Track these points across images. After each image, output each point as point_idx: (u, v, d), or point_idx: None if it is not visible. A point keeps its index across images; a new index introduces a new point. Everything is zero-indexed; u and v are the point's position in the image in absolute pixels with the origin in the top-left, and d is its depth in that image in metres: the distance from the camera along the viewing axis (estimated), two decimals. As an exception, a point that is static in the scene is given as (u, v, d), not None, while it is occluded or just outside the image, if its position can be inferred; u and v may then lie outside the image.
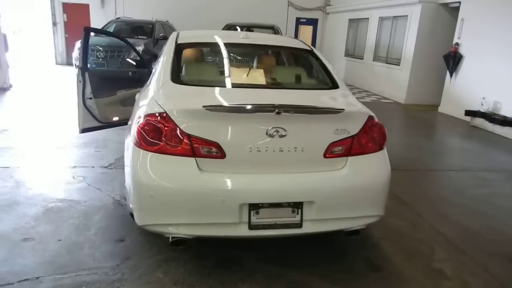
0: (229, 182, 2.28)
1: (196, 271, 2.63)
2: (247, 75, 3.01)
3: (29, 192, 3.71)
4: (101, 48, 9.58)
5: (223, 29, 11.50)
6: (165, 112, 2.30)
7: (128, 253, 2.79)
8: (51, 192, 3.73)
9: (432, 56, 9.46)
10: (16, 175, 4.07)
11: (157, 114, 2.31)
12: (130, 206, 2.70)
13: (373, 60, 11.60)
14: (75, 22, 14.31)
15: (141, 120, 2.36)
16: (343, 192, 2.41)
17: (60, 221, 3.19)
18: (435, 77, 9.57)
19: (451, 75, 8.91)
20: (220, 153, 2.28)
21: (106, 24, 11.20)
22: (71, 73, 11.52)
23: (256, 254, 2.84)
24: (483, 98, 7.82)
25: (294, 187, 2.34)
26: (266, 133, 2.30)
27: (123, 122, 4.75)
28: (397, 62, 10.32)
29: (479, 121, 7.83)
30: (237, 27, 11.64)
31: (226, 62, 3.02)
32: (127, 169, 2.53)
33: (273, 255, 2.85)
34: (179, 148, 2.26)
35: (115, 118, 4.65)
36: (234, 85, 2.83)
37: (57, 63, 14.34)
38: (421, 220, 3.60)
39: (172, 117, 2.28)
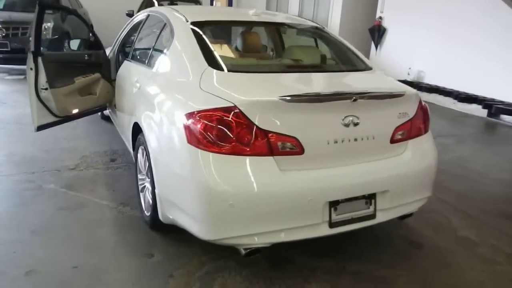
0: (313, 180, 2.06)
1: (255, 278, 2.38)
2: (284, 58, 2.74)
3: (-6, 211, 2.98)
4: (-1, 25, 8.07)
5: (142, 3, 10.52)
6: (235, 105, 1.96)
7: (167, 270, 2.41)
8: (23, 208, 3.04)
9: (357, 29, 9.90)
10: (-39, 192, 3.24)
11: (224, 109, 1.96)
12: (170, 216, 2.33)
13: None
14: None
15: (198, 116, 1.99)
16: (411, 177, 2.37)
17: (59, 243, 2.62)
18: (361, 49, 9.93)
19: (376, 47, 9.46)
20: (298, 149, 2.04)
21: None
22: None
23: (301, 249, 2.68)
24: (409, 68, 8.49)
25: (371, 178, 2.22)
26: (342, 123, 2.13)
27: (83, 114, 4.11)
28: (323, 36, 10.58)
29: (407, 90, 8.50)
30: (154, 1, 10.74)
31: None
32: (177, 174, 2.13)
33: (318, 248, 2.71)
34: (255, 146, 1.96)
35: (75, 111, 3.97)
36: (283, 70, 2.56)
37: None
38: (421, 191, 3.78)
39: (244, 111, 1.95)
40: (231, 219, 1.97)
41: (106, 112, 4.89)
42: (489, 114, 6.80)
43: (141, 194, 2.94)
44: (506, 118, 6.70)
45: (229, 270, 2.44)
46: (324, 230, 2.16)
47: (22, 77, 8.18)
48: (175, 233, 2.66)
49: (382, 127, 2.30)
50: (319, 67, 2.90)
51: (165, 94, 2.41)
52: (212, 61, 2.34)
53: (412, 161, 2.39)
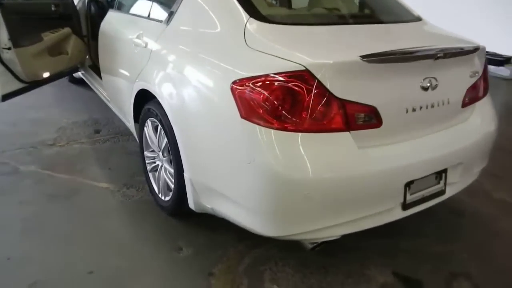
0: (394, 157, 1.71)
1: (307, 268, 2.06)
2: (315, 6, 2.28)
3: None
4: None
5: None
6: (306, 68, 1.52)
7: (204, 266, 2.03)
8: (3, 199, 2.50)
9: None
10: None
11: (290, 74, 1.52)
12: (208, 206, 1.93)
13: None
14: None
15: (254, 84, 1.55)
16: (482, 144, 2.09)
17: (63, 243, 2.15)
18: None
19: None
20: (376, 120, 1.67)
21: None
22: None
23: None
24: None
25: (448, 150, 1.90)
26: (420, 86, 1.77)
27: (53, 78, 3.48)
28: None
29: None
30: None
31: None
32: (225, 157, 1.71)
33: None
34: (330, 120, 1.57)
35: (45, 74, 3.33)
36: (340, 22, 2.12)
37: None
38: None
39: (318, 76, 1.52)
40: (305, 212, 1.59)
41: (77, 74, 4.22)
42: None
43: (150, 174, 2.49)
44: (491, 68, 6.69)
45: (274, 261, 2.11)
46: (398, 214, 1.85)
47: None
48: (199, 218, 2.28)
49: (457, 89, 1.97)
50: (367, 18, 2.47)
51: (195, 55, 1.89)
52: (252, 11, 1.84)
53: (482, 127, 2.10)
